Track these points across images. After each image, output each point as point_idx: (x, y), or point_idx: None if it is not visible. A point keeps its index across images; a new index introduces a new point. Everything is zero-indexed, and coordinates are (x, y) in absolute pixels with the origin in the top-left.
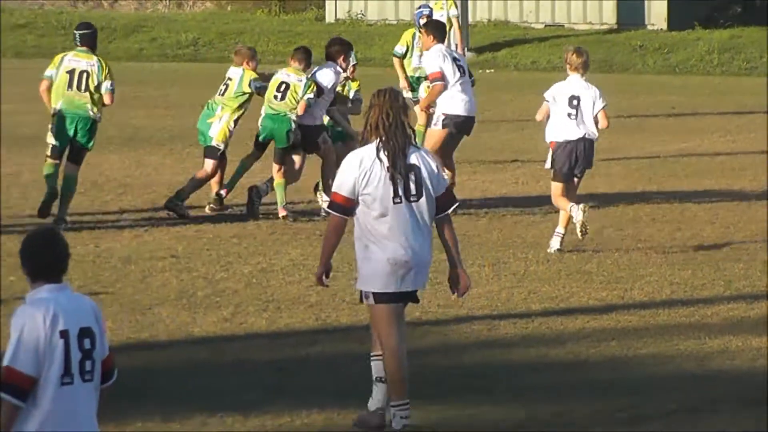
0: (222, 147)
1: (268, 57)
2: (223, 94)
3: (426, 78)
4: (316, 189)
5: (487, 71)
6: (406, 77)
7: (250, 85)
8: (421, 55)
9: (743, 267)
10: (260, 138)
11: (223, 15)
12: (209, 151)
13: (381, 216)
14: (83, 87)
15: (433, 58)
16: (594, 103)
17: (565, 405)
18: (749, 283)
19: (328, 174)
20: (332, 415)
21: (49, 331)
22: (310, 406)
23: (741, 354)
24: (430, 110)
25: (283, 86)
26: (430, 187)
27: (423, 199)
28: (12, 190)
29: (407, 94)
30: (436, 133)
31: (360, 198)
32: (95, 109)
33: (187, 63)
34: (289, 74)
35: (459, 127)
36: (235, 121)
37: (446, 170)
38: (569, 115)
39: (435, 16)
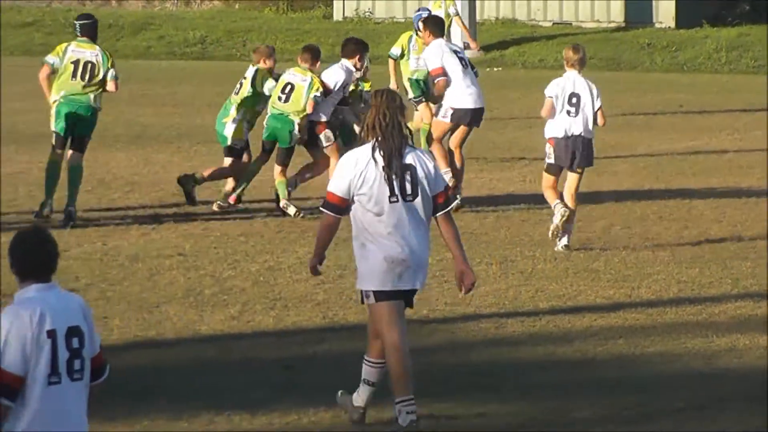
0: (239, 144)
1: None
2: (237, 93)
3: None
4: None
5: (495, 69)
6: (398, 79)
7: (261, 84)
8: (418, 58)
9: (751, 265)
10: (263, 137)
11: (231, 13)
12: (227, 151)
13: (377, 215)
14: (88, 77)
15: (433, 54)
16: (593, 101)
17: (572, 403)
18: (757, 281)
19: (317, 172)
20: (339, 413)
21: (36, 331)
22: (317, 404)
23: (748, 352)
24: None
25: (288, 87)
26: (426, 186)
27: (419, 199)
28: (20, 189)
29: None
30: (442, 124)
31: (356, 198)
32: (97, 98)
33: (195, 61)
34: (295, 74)
35: (468, 119)
36: (249, 120)
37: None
38: (569, 112)
39: None
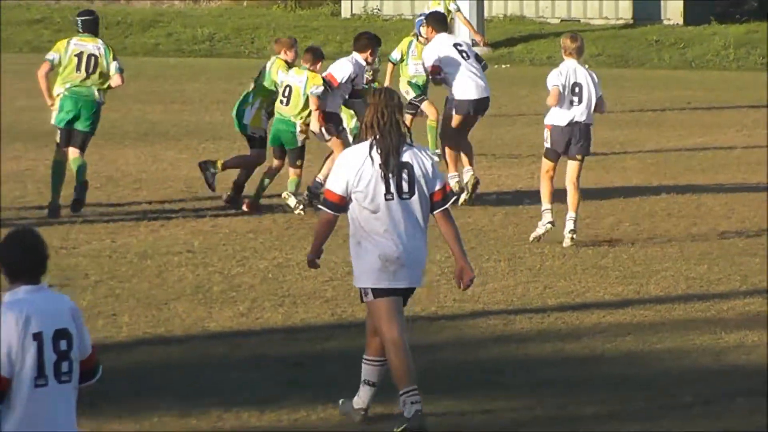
0: (258, 133)
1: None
2: (256, 82)
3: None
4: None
5: (503, 66)
6: (392, 84)
7: (276, 75)
8: (417, 64)
9: (759, 262)
10: (269, 143)
11: (239, 10)
12: (249, 142)
13: (373, 213)
14: (92, 69)
15: (430, 52)
16: (595, 89)
17: (580, 400)
18: (765, 278)
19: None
20: None
21: (22, 334)
22: (326, 401)
23: (757, 349)
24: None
25: (287, 90)
26: (423, 185)
27: (416, 197)
28: (28, 186)
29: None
30: (450, 117)
31: (352, 195)
32: (101, 93)
33: (203, 58)
34: (294, 76)
35: (472, 109)
36: (266, 109)
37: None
38: (572, 102)
39: None
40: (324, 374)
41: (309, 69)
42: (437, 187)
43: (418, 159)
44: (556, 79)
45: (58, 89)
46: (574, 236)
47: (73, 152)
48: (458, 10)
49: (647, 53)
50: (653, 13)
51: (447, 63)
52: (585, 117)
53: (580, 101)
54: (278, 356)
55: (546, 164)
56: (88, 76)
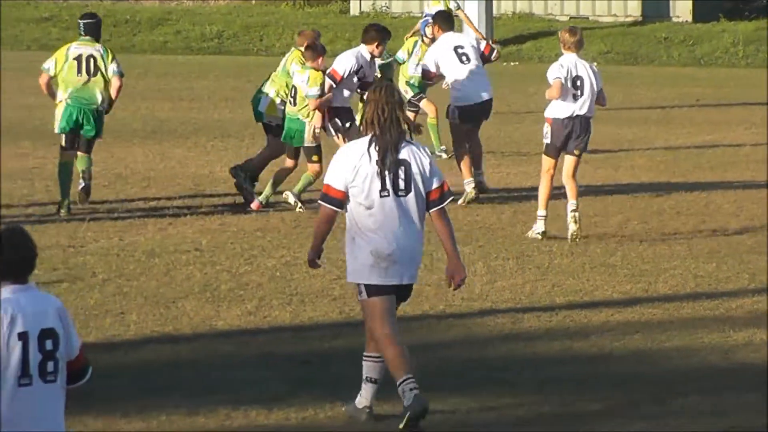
0: (275, 122)
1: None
2: (277, 71)
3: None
4: None
5: (512, 64)
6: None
7: (291, 65)
8: (417, 64)
9: None
10: (282, 138)
11: (248, 8)
12: (265, 129)
13: (367, 209)
14: (92, 70)
15: (430, 56)
16: (596, 82)
17: (588, 398)
18: None
19: None
20: None
21: (7, 333)
22: (334, 400)
23: (765, 346)
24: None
25: (293, 90)
26: (419, 183)
27: (411, 195)
28: (36, 184)
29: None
30: (455, 126)
31: (349, 190)
32: (103, 97)
33: (212, 56)
34: (298, 75)
35: (474, 114)
36: (282, 99)
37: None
38: (574, 96)
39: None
40: (332, 372)
41: (312, 66)
42: (434, 186)
43: (416, 157)
44: (557, 72)
45: (61, 95)
46: (576, 215)
47: (80, 153)
48: (459, 8)
49: (656, 50)
50: (662, 10)
51: (445, 68)
52: (586, 110)
53: (581, 94)
54: (286, 354)
55: (546, 162)
56: (89, 79)
